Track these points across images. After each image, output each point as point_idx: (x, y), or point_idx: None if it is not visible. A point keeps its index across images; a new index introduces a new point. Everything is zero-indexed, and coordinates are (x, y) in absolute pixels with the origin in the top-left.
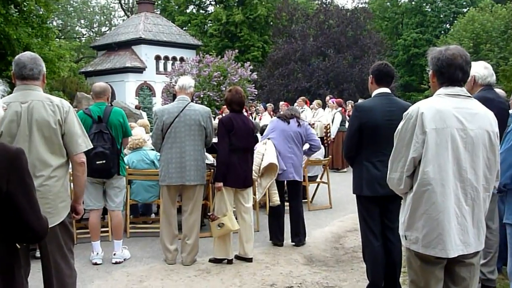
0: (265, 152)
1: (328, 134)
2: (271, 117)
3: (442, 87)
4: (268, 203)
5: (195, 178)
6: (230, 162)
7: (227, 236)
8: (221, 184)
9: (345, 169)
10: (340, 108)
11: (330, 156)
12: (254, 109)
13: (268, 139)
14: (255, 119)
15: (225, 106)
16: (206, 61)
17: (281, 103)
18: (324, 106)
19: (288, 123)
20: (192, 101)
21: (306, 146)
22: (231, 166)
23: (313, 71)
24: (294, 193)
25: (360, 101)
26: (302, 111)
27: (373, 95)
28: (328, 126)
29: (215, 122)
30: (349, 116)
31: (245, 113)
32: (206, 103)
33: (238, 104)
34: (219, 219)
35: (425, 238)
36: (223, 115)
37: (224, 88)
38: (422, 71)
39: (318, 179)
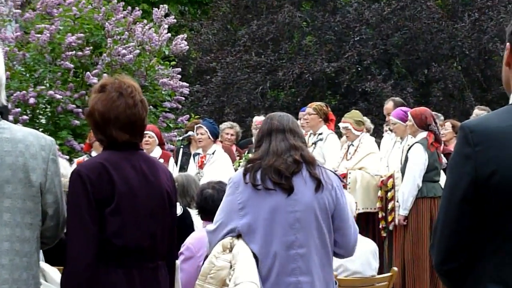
0: (235, 270)
1: (391, 204)
2: (237, 158)
3: None
4: None
5: None
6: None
7: None
8: None
9: None
10: (423, 133)
11: (394, 269)
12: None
13: (238, 237)
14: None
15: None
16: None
17: (255, 119)
18: (380, 130)
19: (289, 189)
20: (2, 114)
21: None
22: None
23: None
24: None
25: (477, 115)
26: (314, 143)
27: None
28: (391, 184)
29: (66, 172)
30: (446, 155)
31: (157, 151)
32: (46, 120)
33: (128, 126)
34: None
35: None
36: (85, 157)
37: (96, 80)
38: None
39: None
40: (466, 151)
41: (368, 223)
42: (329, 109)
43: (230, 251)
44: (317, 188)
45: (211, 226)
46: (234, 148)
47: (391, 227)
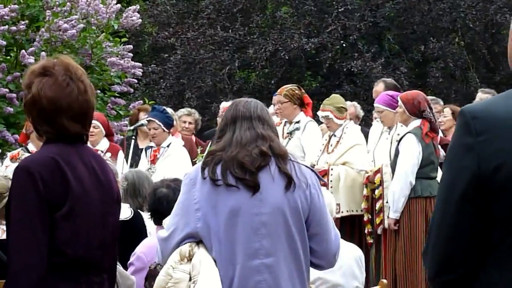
0: (197, 282)
1: (379, 204)
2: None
3: None
4: None
5: None
6: None
7: None
8: None
9: None
10: (417, 121)
11: (384, 281)
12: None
13: (198, 243)
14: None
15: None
16: None
17: (222, 105)
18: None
19: (254, 186)
20: None
21: None
22: None
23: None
24: None
25: (481, 99)
26: (290, 133)
27: None
28: (378, 180)
29: (8, 169)
30: (444, 146)
31: (104, 143)
32: None
33: (80, 116)
34: None
35: None
36: (21, 150)
37: (32, 60)
38: None
39: None
40: (466, 141)
41: (353, 227)
42: (303, 91)
43: (189, 260)
44: (288, 186)
45: (163, 232)
46: (193, 139)
47: (379, 231)
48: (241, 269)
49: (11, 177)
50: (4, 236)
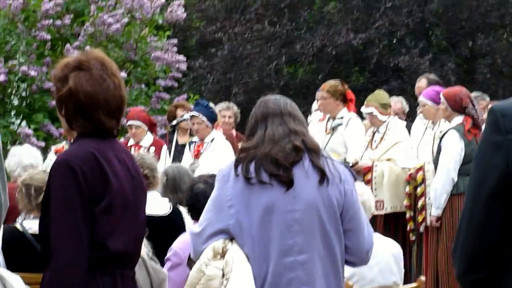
0: (229, 280)
1: (421, 201)
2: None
3: None
4: None
5: None
6: None
7: None
8: None
9: None
10: (459, 118)
11: (421, 279)
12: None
13: (231, 240)
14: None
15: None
16: None
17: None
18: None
19: (288, 182)
20: None
21: None
22: None
23: None
24: None
25: None
26: (333, 128)
27: None
28: (421, 178)
29: (36, 162)
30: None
31: (148, 138)
32: (18, 101)
33: (117, 111)
34: None
35: None
36: (65, 144)
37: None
38: None
39: None
40: (496, 139)
41: (397, 225)
42: (346, 87)
43: (222, 257)
44: (321, 181)
45: (195, 228)
46: (234, 133)
47: (421, 229)
48: (275, 266)
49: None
50: (35, 228)
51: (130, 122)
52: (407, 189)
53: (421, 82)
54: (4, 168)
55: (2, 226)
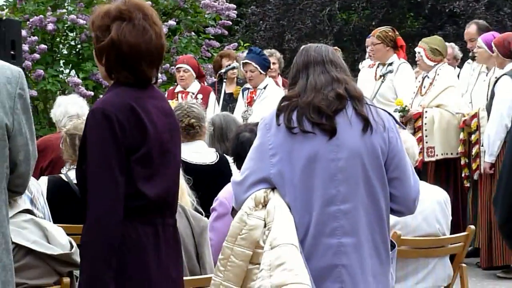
0: (271, 229)
1: (475, 148)
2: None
3: None
4: None
5: None
6: (133, 249)
7: None
8: None
9: None
10: (511, 64)
11: (471, 227)
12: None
13: (273, 189)
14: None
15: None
16: None
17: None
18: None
19: (331, 130)
20: None
21: None
22: (136, 261)
23: None
24: None
25: None
26: (383, 75)
27: None
28: (475, 125)
29: (82, 112)
30: None
31: (195, 85)
32: (67, 50)
33: (157, 61)
34: None
35: None
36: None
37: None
38: None
39: None
40: None
41: (448, 171)
42: (397, 33)
43: (264, 206)
44: (365, 129)
45: (237, 176)
46: (280, 80)
47: (475, 176)
48: (317, 215)
49: None
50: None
51: (178, 65)
52: (462, 135)
53: (471, 28)
54: (32, 119)
55: (42, 177)
